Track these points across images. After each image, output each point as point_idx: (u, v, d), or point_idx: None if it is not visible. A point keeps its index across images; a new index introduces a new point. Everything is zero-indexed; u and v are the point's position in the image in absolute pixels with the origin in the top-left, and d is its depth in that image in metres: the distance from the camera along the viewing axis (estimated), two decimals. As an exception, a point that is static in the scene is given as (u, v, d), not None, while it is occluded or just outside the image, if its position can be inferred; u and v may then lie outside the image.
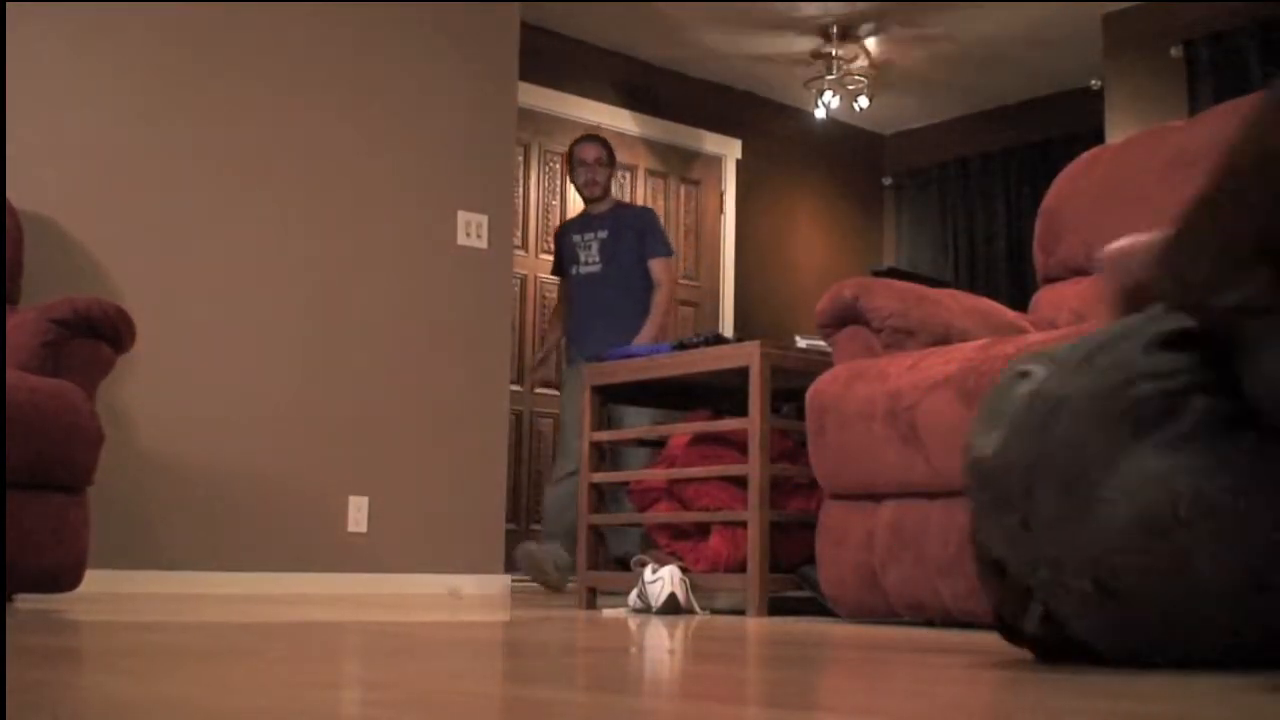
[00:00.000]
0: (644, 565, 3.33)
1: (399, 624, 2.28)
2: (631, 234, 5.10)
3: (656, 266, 5.11)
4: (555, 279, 5.49)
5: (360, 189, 4.59)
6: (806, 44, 6.45)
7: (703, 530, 3.48)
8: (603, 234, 5.12)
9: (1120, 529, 1.40)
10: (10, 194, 3.60)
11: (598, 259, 5.11)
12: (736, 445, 3.47)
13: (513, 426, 5.86)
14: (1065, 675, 1.39)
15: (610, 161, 5.22)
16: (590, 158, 5.17)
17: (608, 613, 3.19)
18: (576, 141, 5.26)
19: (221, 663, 1.41)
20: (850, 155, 7.61)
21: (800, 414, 2.95)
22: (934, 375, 2.56)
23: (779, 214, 7.28)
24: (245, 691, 1.10)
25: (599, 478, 3.74)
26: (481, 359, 4.73)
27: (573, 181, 5.27)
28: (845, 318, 2.91)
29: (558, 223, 5.80)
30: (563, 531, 4.68)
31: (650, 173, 6.78)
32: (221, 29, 4.30)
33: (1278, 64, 5.34)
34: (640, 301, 5.05)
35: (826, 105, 6.72)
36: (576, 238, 5.18)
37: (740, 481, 3.38)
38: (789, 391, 3.52)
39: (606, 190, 5.21)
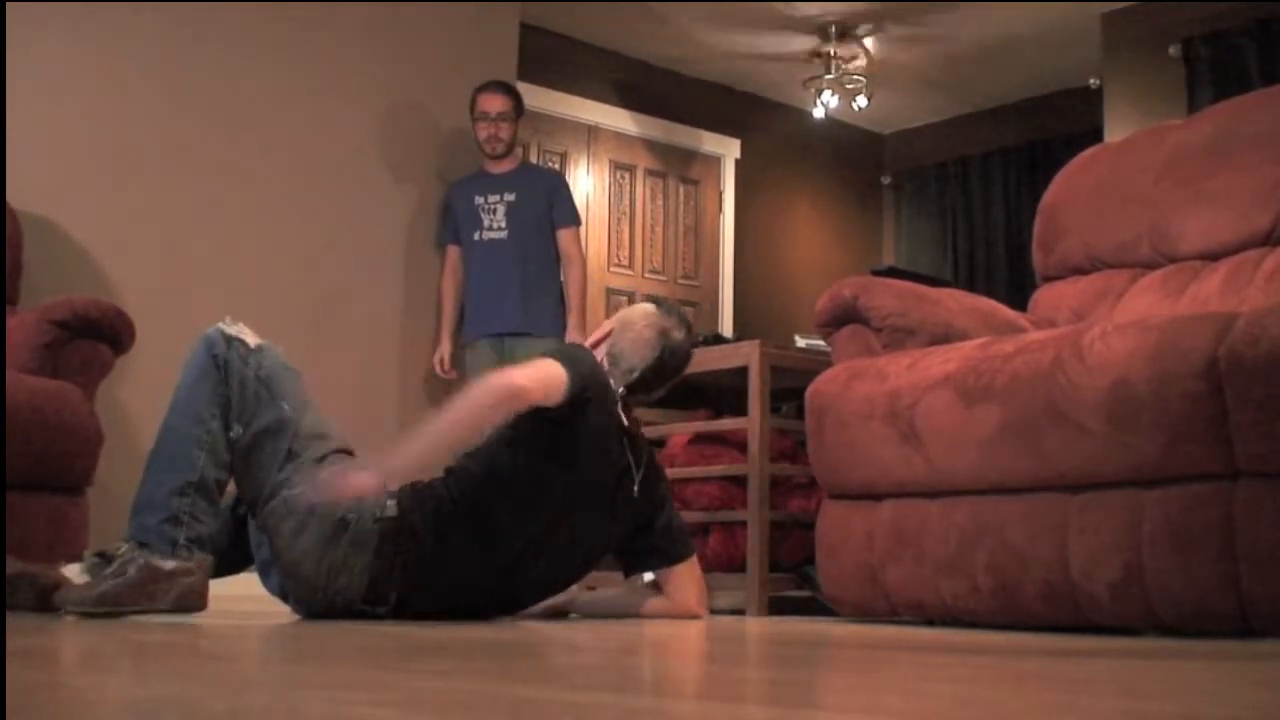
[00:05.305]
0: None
1: (398, 624, 2.27)
2: (541, 198, 4.58)
3: (566, 237, 4.60)
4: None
5: (360, 188, 4.59)
6: (806, 44, 6.45)
7: (702, 530, 3.47)
8: (510, 196, 4.56)
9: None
10: (10, 194, 3.60)
11: (504, 224, 4.54)
12: (736, 445, 3.47)
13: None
14: (1066, 673, 1.39)
15: (517, 114, 4.64)
16: (494, 110, 4.57)
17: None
18: (479, 89, 4.62)
19: (221, 663, 1.41)
20: (849, 155, 7.61)
21: (800, 413, 2.94)
22: (933, 374, 2.55)
23: (778, 213, 7.28)
24: (245, 691, 1.10)
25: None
26: (481, 359, 4.72)
27: (474, 135, 4.65)
28: (845, 317, 2.91)
29: None
30: None
31: (649, 172, 6.78)
32: (220, 29, 4.30)
33: (1277, 63, 5.34)
34: (550, 273, 4.58)
35: (825, 105, 6.72)
36: (479, 200, 4.59)
37: (740, 481, 3.38)
38: (788, 391, 3.52)
39: (510, 147, 4.62)
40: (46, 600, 2.31)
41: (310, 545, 2.31)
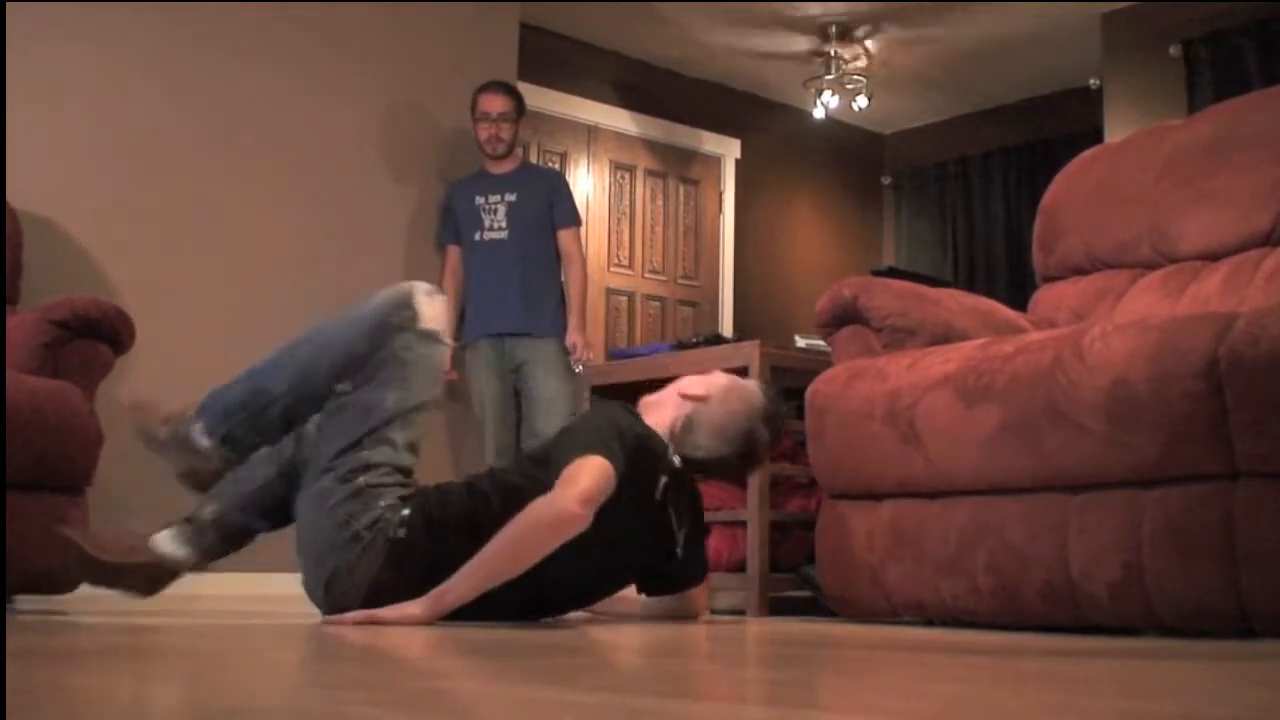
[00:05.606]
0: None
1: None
2: (542, 198, 4.57)
3: (567, 238, 4.59)
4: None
5: (360, 188, 4.59)
6: (806, 44, 6.45)
7: (702, 530, 3.47)
8: (510, 197, 4.55)
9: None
10: (10, 194, 3.60)
11: (505, 224, 4.53)
12: (736, 445, 3.46)
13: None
14: (1066, 673, 1.39)
15: (518, 114, 4.62)
16: (495, 110, 4.56)
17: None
18: (480, 90, 4.60)
19: (221, 663, 1.41)
20: (849, 155, 7.61)
21: (800, 413, 2.94)
22: (933, 374, 2.55)
23: (778, 214, 7.28)
24: (245, 691, 1.10)
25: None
26: (481, 359, 4.71)
27: (475, 135, 4.63)
28: (845, 317, 2.91)
29: None
30: None
31: (649, 173, 6.78)
32: (221, 29, 4.30)
33: (1277, 63, 5.34)
34: (550, 273, 4.57)
35: (825, 105, 6.72)
36: (480, 200, 4.58)
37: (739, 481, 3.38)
38: (789, 391, 3.52)
39: (511, 147, 4.62)
40: (159, 584, 2.32)
41: (319, 546, 2.29)
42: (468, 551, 2.23)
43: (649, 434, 2.42)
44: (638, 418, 2.46)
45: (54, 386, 2.95)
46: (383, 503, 2.28)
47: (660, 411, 2.50)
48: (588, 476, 2.21)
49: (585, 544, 2.22)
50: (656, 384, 3.74)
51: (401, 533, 2.25)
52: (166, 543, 2.32)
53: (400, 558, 2.25)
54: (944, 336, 2.83)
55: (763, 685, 1.29)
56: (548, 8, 5.89)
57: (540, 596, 2.35)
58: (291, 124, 4.44)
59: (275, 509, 2.41)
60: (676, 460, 2.45)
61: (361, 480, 2.27)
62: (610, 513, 2.24)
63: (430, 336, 2.35)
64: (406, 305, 2.34)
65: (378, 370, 2.30)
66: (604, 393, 3.88)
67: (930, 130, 7.61)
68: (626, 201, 6.69)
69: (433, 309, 2.36)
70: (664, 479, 2.40)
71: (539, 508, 2.19)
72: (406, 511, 2.28)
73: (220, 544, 2.38)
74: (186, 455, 2.36)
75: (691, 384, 2.51)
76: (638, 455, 2.33)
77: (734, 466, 2.54)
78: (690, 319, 6.82)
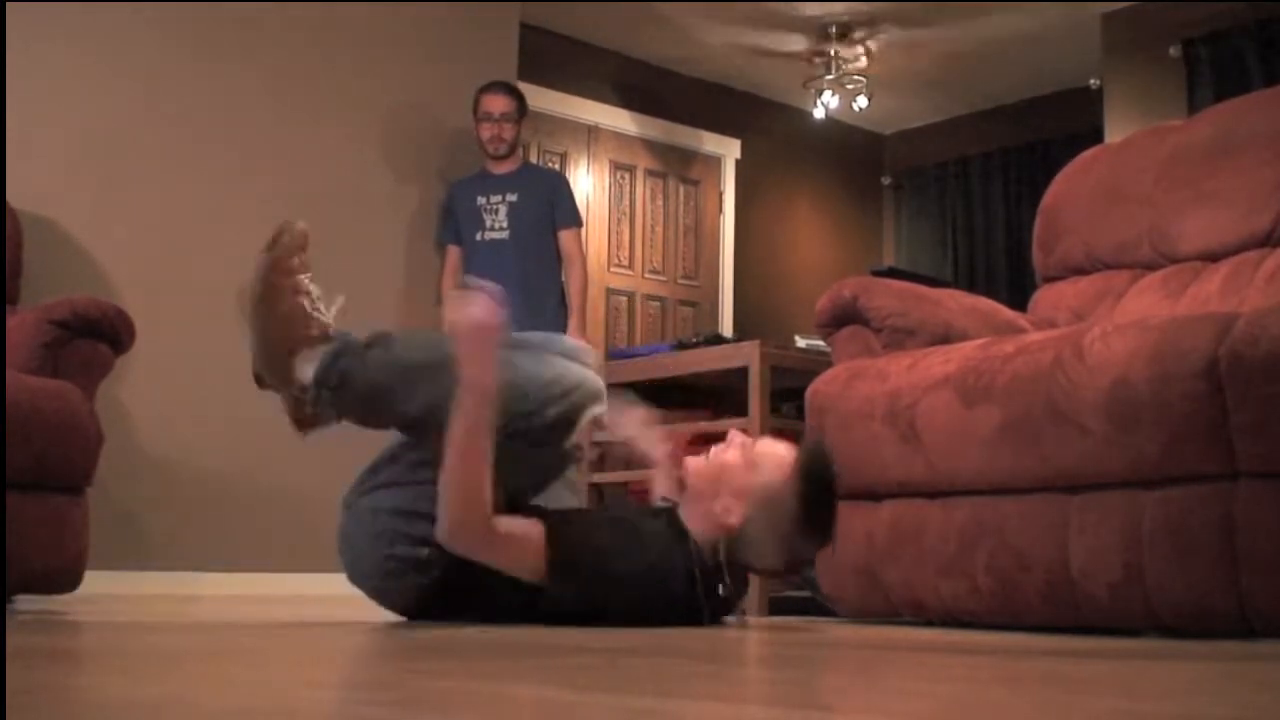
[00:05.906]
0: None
1: (398, 624, 2.27)
2: (543, 199, 4.60)
3: (568, 239, 4.61)
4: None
5: (359, 189, 4.59)
6: (806, 44, 6.46)
7: (702, 530, 3.47)
8: (512, 197, 4.57)
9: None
10: (10, 194, 3.60)
11: (506, 224, 4.55)
12: (736, 445, 3.46)
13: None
14: (1066, 673, 1.39)
15: (520, 115, 4.65)
16: (497, 110, 4.58)
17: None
18: (483, 89, 4.62)
19: (221, 663, 1.41)
20: (849, 155, 7.61)
21: (800, 413, 2.94)
22: (933, 375, 2.55)
23: (778, 214, 7.28)
24: (244, 691, 1.10)
25: (600, 478, 3.75)
26: (481, 359, 4.71)
27: (476, 135, 4.66)
28: (845, 317, 2.91)
29: None
30: None
31: (649, 173, 6.78)
32: (220, 29, 4.30)
33: (1277, 63, 5.34)
34: (551, 274, 4.59)
35: (825, 105, 6.72)
36: (481, 200, 4.60)
37: (740, 481, 3.37)
38: (788, 391, 3.53)
39: (513, 148, 4.65)
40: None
41: (358, 552, 2.27)
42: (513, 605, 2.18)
43: (692, 578, 2.21)
44: (683, 539, 2.24)
45: (54, 386, 2.95)
46: (434, 574, 2.20)
47: (701, 514, 2.26)
48: (520, 540, 2.10)
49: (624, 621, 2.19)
50: (657, 385, 3.75)
51: (426, 580, 2.23)
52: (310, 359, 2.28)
53: (431, 596, 2.25)
54: (944, 337, 2.83)
55: (763, 685, 1.29)
56: (548, 8, 5.89)
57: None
58: (292, 124, 4.44)
59: None
60: (721, 589, 2.27)
61: (425, 553, 2.17)
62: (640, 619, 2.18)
63: (569, 457, 2.28)
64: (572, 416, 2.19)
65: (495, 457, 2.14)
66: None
67: (930, 130, 7.61)
68: (626, 201, 6.69)
69: (584, 431, 2.24)
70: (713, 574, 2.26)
71: (474, 491, 2.06)
72: (426, 549, 2.20)
73: None
74: (278, 370, 2.28)
75: (731, 492, 2.22)
76: (670, 564, 2.20)
77: (773, 571, 2.46)
78: (690, 319, 6.82)
